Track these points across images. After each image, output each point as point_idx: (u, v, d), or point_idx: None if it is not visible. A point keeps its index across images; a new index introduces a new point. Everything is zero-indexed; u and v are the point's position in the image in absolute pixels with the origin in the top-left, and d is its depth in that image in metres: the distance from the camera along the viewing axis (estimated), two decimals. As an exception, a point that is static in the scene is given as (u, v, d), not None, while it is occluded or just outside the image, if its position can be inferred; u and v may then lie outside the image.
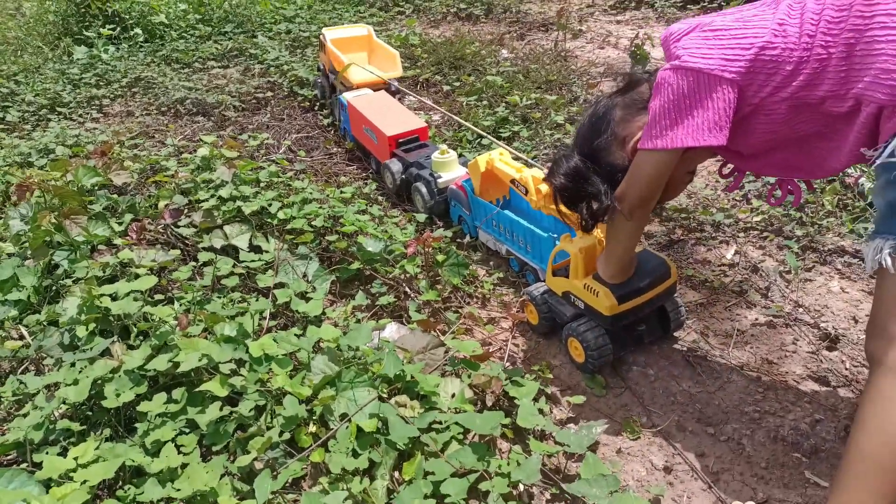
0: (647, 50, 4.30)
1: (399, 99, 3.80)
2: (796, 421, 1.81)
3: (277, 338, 1.94)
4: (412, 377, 1.78)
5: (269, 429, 1.69)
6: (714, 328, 2.17)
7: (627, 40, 5.08)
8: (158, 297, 2.25)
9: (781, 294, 2.28)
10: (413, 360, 1.92)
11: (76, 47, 5.70)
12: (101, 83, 5.05)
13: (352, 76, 3.65)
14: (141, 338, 2.04)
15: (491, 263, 2.60)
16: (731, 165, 1.77)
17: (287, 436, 1.63)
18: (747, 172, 1.77)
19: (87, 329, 1.99)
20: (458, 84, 4.27)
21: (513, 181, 2.38)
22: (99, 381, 1.79)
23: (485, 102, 3.86)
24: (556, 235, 2.23)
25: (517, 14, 6.09)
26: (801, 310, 2.21)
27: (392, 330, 2.17)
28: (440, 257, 2.34)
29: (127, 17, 6.15)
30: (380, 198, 3.07)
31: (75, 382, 1.77)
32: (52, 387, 1.84)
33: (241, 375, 1.78)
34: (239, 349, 1.89)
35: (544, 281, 2.36)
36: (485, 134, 2.86)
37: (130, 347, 1.98)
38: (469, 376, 1.88)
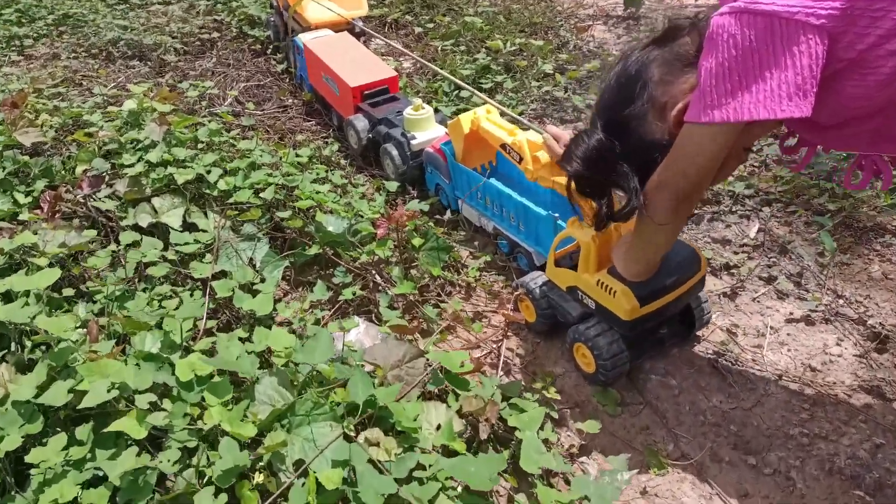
0: (642, -11, 3.85)
1: (364, 42, 3.31)
2: (853, 447, 1.49)
3: (218, 346, 1.54)
4: (386, 406, 1.41)
5: (201, 477, 1.30)
6: (743, 325, 1.83)
7: (616, -22, 4.61)
8: (67, 292, 1.81)
9: (817, 282, 1.94)
10: (386, 376, 1.54)
11: (-7, -22, 4.98)
12: (24, 20, 4.42)
13: (309, 15, 3.14)
14: (41, 350, 1.62)
15: (476, 244, 2.20)
16: (796, 136, 1.39)
17: (224, 497, 1.25)
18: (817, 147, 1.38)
19: (-34, 341, 1.57)
20: (431, 26, 3.78)
21: (503, 146, 1.97)
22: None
23: (462, 48, 3.39)
24: (556, 215, 1.84)
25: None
26: (841, 301, 1.88)
27: (360, 332, 1.78)
28: (417, 241, 1.94)
29: (53, -57, 5.41)
30: (342, 161, 2.63)
31: (-57, 421, 1.35)
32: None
33: (164, 410, 1.38)
34: (163, 369, 1.49)
35: (541, 266, 1.99)
36: (464, 85, 2.43)
37: (25, 366, 1.56)
38: (457, 398, 1.51)
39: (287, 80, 3.39)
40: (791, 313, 1.85)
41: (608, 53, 3.32)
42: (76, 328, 1.61)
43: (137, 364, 1.47)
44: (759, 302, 1.90)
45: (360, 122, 2.55)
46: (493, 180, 2.10)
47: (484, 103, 2.15)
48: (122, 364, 1.42)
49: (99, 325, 1.62)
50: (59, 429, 1.39)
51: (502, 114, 2.12)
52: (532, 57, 3.27)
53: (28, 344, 1.57)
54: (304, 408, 1.40)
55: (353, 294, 1.87)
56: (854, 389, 1.63)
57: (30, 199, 2.22)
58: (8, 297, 1.69)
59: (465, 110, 2.88)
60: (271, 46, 3.69)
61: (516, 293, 1.80)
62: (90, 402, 1.32)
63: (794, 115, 1.07)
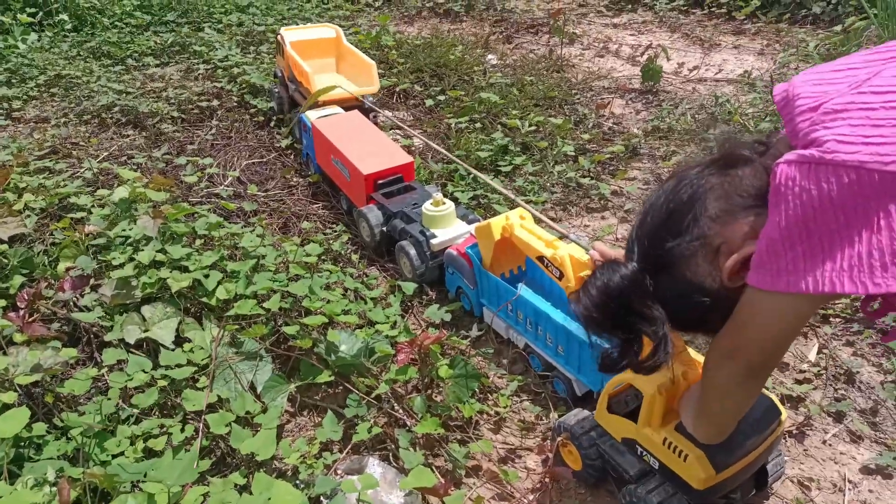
0: (660, 64, 3.73)
1: (373, 118, 3.14)
2: None
3: (211, 498, 1.30)
4: None
5: None
6: (815, 475, 1.60)
7: (629, 47, 4.52)
8: (38, 428, 1.56)
9: (895, 421, 1.72)
10: (413, 557, 1.29)
11: (-14, 35, 4.85)
12: (14, 80, 4.24)
13: (316, 90, 2.96)
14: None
15: (504, 361, 1.97)
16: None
17: None
18: None
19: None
20: (442, 98, 3.62)
21: (541, 258, 1.76)
22: None
23: (478, 125, 3.22)
24: (607, 346, 1.61)
25: (501, 12, 5.45)
26: (924, 446, 1.66)
27: (376, 479, 1.53)
28: (444, 371, 1.71)
29: (52, -1, 5.30)
30: (353, 256, 2.41)
31: None
32: None
33: None
34: (146, 549, 1.24)
35: (582, 396, 1.77)
36: (492, 182, 2.25)
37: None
38: (498, 587, 1.26)
39: (292, 155, 3.20)
40: (869, 463, 1.62)
41: (632, 135, 3.16)
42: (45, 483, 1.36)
43: (114, 546, 1.22)
44: (830, 446, 1.67)
45: (374, 216, 2.35)
46: (526, 289, 1.89)
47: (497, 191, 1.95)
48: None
49: (71, 482, 1.37)
50: None
51: (537, 220, 1.91)
52: (551, 136, 3.10)
53: (-16, 513, 1.31)
54: None
55: (369, 432, 1.63)
56: (958, 567, 1.40)
57: (3, 300, 1.98)
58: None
59: (484, 196, 2.69)
60: (274, 118, 3.51)
61: (558, 439, 1.56)
62: None
63: (893, 290, 0.87)
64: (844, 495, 1.55)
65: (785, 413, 1.40)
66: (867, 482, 1.58)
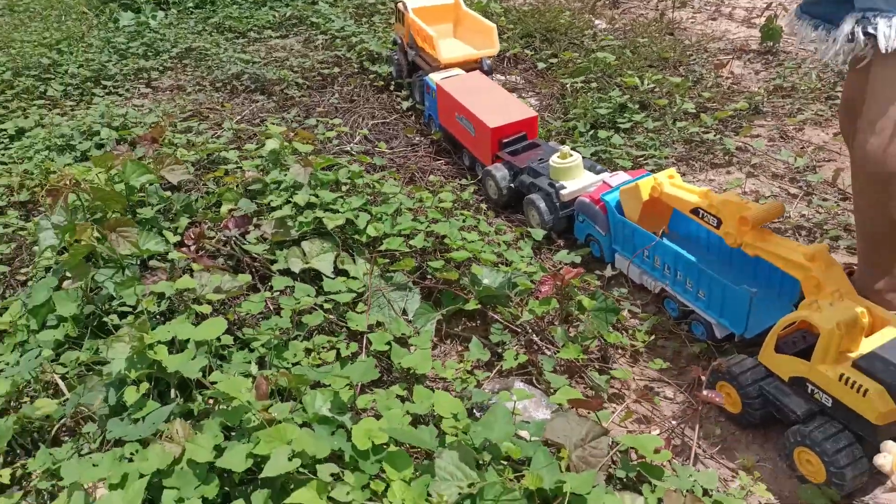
0: (780, 24, 3.64)
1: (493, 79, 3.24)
2: None
3: (377, 405, 1.46)
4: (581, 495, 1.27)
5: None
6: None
7: (743, 10, 4.40)
8: (226, 339, 1.77)
9: None
10: (571, 459, 1.41)
11: (122, 13, 5.24)
12: (150, 53, 4.59)
13: (440, 53, 3.09)
14: (209, 401, 1.56)
15: (638, 301, 2.05)
16: None
17: None
18: None
19: (137, 391, 1.53)
20: (553, 61, 3.68)
21: (695, 210, 1.80)
22: (154, 480, 1.33)
23: (593, 84, 3.26)
24: (754, 290, 1.65)
25: (606, -21, 5.40)
26: None
27: (526, 399, 1.65)
28: (587, 302, 1.80)
29: (176, -22, 5.66)
30: (482, 206, 2.53)
31: (123, 481, 1.31)
32: (90, 487, 1.38)
33: (346, 483, 1.29)
34: (337, 434, 1.41)
35: (724, 338, 1.81)
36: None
37: (192, 416, 1.51)
38: (652, 489, 1.36)
39: (413, 116, 3.35)
40: None
41: (754, 93, 3.12)
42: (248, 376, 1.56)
43: (313, 426, 1.40)
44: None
45: (500, 174, 2.45)
46: (665, 240, 1.93)
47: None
48: (301, 430, 1.34)
49: (266, 384, 1.55)
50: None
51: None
52: (670, 94, 3.11)
53: (199, 398, 1.52)
54: (491, 493, 1.27)
55: (516, 358, 1.75)
56: None
57: (174, 238, 2.22)
58: (170, 348, 1.65)
59: (605, 152, 2.75)
60: (393, 83, 3.67)
61: (715, 367, 1.61)
62: (272, 472, 1.25)
63: None
64: None
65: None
66: None
